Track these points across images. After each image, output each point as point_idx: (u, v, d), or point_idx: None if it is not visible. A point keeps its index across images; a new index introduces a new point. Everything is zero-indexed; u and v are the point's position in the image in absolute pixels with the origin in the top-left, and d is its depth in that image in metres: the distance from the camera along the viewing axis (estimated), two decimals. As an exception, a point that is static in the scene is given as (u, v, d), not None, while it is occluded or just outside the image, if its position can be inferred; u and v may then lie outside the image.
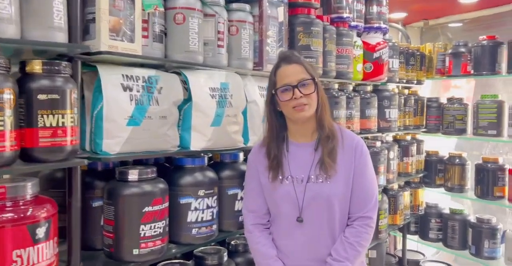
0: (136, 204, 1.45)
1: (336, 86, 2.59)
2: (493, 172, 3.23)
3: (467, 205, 4.15)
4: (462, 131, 3.49)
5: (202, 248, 1.81)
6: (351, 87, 2.78)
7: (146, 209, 1.46)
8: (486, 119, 3.27)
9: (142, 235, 1.46)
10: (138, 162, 1.79)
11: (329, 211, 1.57)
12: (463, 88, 4.52)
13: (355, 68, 2.72)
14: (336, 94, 2.49)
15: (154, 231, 1.49)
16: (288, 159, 1.62)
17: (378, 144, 2.89)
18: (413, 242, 3.95)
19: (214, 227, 1.72)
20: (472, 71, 3.41)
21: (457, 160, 3.51)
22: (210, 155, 1.96)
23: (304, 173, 1.59)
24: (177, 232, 1.64)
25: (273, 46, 2.03)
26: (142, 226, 1.46)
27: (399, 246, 4.00)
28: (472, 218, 3.42)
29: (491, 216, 3.31)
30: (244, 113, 1.91)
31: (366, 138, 3.05)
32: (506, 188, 3.18)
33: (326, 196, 1.55)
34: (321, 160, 1.57)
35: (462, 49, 3.48)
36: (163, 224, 1.52)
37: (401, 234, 3.75)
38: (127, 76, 1.49)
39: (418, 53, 3.51)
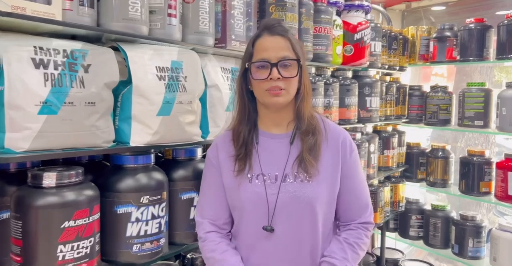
0: (51, 218, 1.10)
1: (313, 70, 2.27)
2: (479, 166, 2.99)
3: (441, 198, 3.99)
4: (446, 122, 3.23)
5: (152, 264, 1.48)
6: (329, 72, 2.47)
7: (66, 224, 1.11)
8: (473, 109, 3.02)
9: (60, 258, 1.11)
10: (68, 161, 1.43)
11: (311, 219, 1.27)
12: (444, 76, 4.31)
13: (334, 51, 2.40)
14: (313, 80, 2.17)
15: (78, 252, 1.14)
16: (258, 151, 1.30)
17: (358, 135, 2.60)
18: (391, 239, 3.72)
19: (162, 241, 1.39)
20: (458, 57, 3.15)
21: (440, 153, 3.26)
22: (160, 152, 1.61)
23: (278, 170, 1.28)
24: (113, 250, 1.30)
25: (239, 19, 1.68)
26: (60, 247, 1.11)
27: (377, 244, 3.76)
28: (455, 215, 3.19)
29: (476, 213, 3.09)
30: (203, 100, 1.57)
31: (345, 129, 2.75)
32: (493, 183, 2.95)
33: (308, 199, 1.25)
34: (300, 156, 1.27)
35: (448, 33, 3.20)
36: (91, 242, 1.17)
37: (379, 231, 3.51)
38: (41, 49, 1.13)
39: (401, 37, 3.22)
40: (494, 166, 2.94)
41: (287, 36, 1.27)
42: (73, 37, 1.32)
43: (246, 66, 1.29)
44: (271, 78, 1.22)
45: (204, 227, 1.35)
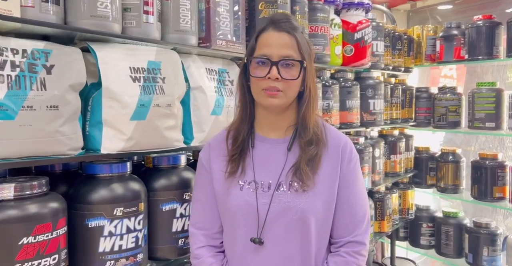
0: (7, 233, 1.00)
1: (310, 71, 2.16)
2: (492, 170, 2.83)
3: (455, 204, 3.81)
4: (456, 124, 3.08)
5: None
6: (328, 74, 2.35)
7: (25, 240, 1.01)
8: (483, 110, 2.87)
9: (18, 279, 1.01)
10: (41, 171, 1.33)
11: (303, 233, 1.16)
12: (454, 78, 4.15)
13: (333, 51, 2.29)
14: (310, 81, 2.05)
15: (39, 272, 1.03)
16: (253, 156, 1.20)
17: (362, 140, 2.47)
18: (403, 248, 3.55)
19: (140, 256, 1.27)
20: (466, 56, 3.00)
21: (451, 157, 3.10)
22: (141, 160, 1.51)
23: (273, 178, 1.18)
24: (85, 267, 1.19)
25: (225, 17, 1.58)
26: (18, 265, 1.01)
27: (387, 253, 3.60)
28: (468, 222, 3.02)
29: (490, 220, 2.92)
30: (186, 103, 1.47)
31: (348, 134, 2.62)
32: (507, 188, 2.79)
33: (301, 212, 1.14)
34: (297, 165, 1.16)
35: (455, 32, 3.06)
36: (54, 259, 1.07)
37: (389, 240, 3.35)
38: (-3, 48, 1.04)
39: (406, 36, 3.10)
40: (508, 170, 2.78)
41: (293, 34, 1.16)
42: (46, 38, 1.23)
43: (246, 60, 1.20)
44: (269, 77, 1.13)
45: (196, 240, 1.26)
